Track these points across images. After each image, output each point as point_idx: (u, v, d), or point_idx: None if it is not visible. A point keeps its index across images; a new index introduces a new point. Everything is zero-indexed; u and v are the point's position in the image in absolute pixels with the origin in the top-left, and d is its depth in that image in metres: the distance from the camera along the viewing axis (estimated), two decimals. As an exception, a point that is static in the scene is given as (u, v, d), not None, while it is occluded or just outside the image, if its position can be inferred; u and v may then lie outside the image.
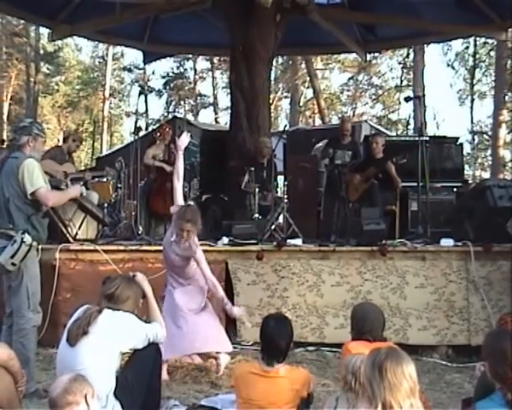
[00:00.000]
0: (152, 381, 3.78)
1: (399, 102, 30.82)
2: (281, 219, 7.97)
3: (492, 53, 24.81)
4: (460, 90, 31.04)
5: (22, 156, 4.64)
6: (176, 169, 5.34)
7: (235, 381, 3.70)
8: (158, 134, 8.61)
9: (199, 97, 35.17)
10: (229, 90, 10.27)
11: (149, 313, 3.89)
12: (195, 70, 34.07)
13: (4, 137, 18.96)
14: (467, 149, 26.57)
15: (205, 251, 6.51)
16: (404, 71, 30.09)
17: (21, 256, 4.50)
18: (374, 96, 32.86)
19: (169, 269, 5.32)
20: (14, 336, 4.61)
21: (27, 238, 4.51)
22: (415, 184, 7.42)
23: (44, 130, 4.92)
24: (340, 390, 3.29)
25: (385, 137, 8.82)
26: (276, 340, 3.59)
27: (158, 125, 10.73)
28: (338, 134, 8.78)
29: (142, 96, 28.27)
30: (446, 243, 6.56)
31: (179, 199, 5.26)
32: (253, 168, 8.13)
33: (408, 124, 28.36)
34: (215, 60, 30.32)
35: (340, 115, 29.91)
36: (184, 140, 5.41)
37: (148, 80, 34.50)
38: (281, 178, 9.48)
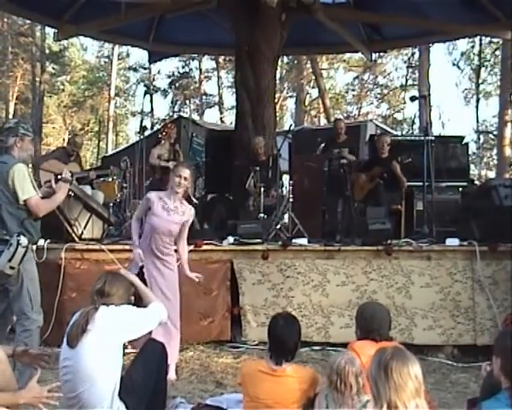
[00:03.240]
0: (158, 381, 3.75)
1: (405, 102, 30.68)
2: (286, 219, 7.97)
3: (498, 52, 24.75)
4: (465, 89, 31.00)
5: (11, 161, 4.57)
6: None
7: (243, 378, 3.70)
8: (163, 134, 8.61)
9: (204, 97, 35.19)
10: (234, 90, 10.26)
11: (143, 298, 3.90)
12: (201, 70, 34.07)
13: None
14: (472, 148, 26.42)
15: (210, 250, 6.58)
16: (410, 70, 30.08)
17: (19, 259, 4.43)
18: (379, 96, 32.81)
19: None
20: (17, 337, 4.57)
21: (23, 240, 4.44)
22: (420, 183, 7.41)
23: (30, 128, 4.85)
24: (327, 388, 3.32)
25: (391, 137, 8.82)
26: (284, 339, 3.59)
27: (162, 124, 10.71)
28: (334, 135, 8.97)
29: (148, 96, 28.29)
30: (452, 242, 6.54)
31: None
32: (258, 168, 8.14)
33: (413, 123, 28.19)
34: (220, 59, 30.33)
35: (345, 115, 29.93)
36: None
37: (154, 80, 34.54)
38: (286, 178, 9.47)
